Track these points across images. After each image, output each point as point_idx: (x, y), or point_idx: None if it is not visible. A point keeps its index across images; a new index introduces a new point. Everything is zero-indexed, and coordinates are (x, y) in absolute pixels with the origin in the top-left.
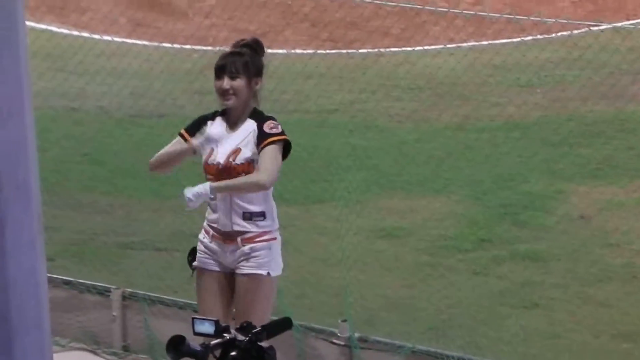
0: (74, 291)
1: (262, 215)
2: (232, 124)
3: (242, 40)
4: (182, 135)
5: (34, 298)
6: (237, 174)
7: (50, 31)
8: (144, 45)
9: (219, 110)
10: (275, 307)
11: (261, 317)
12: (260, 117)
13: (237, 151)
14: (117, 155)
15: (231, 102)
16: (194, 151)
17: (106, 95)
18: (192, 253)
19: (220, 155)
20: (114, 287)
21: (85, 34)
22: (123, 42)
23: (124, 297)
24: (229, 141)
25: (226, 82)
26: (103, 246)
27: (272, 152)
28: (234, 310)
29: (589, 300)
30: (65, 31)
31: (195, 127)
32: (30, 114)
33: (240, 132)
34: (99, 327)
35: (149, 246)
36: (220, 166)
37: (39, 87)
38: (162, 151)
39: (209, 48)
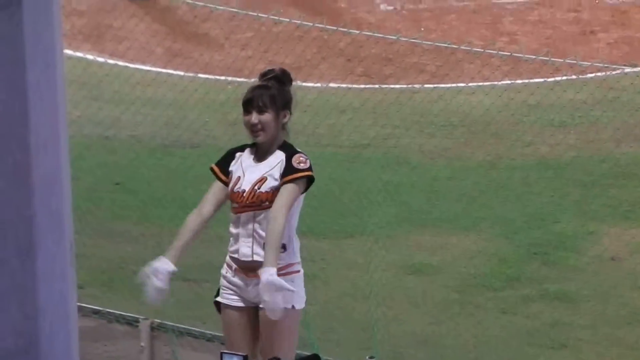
0: (103, 320)
1: (282, 247)
2: (261, 154)
3: (270, 70)
4: (213, 171)
5: (64, 328)
6: (261, 202)
7: (87, 60)
8: (180, 76)
9: (249, 143)
10: (304, 340)
11: (287, 351)
12: (289, 150)
13: (262, 180)
14: (150, 184)
15: (261, 137)
16: (224, 182)
17: (140, 125)
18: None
19: (245, 183)
20: (142, 317)
21: (122, 63)
22: (159, 72)
23: (153, 328)
24: (256, 170)
25: (254, 117)
26: (133, 275)
27: (291, 190)
28: (260, 345)
29: (617, 343)
30: (101, 60)
31: (225, 161)
32: (66, 143)
33: (268, 162)
34: (127, 358)
35: (179, 276)
36: (244, 193)
37: (74, 116)
38: (199, 204)
39: (244, 80)
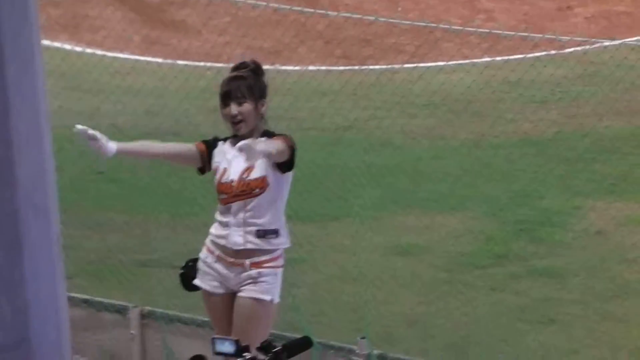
0: (92, 309)
1: (275, 232)
2: None
3: (242, 63)
4: (197, 146)
5: (55, 321)
6: (252, 190)
7: (64, 50)
8: (159, 63)
9: (230, 135)
10: (294, 324)
11: (257, 342)
12: (271, 136)
13: (249, 169)
14: (133, 173)
15: (242, 129)
16: (202, 159)
17: (121, 114)
18: (187, 268)
19: (233, 173)
20: (132, 305)
21: (100, 52)
22: (137, 60)
23: (142, 316)
24: (241, 160)
25: (234, 108)
26: (120, 264)
27: (278, 140)
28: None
29: (607, 316)
30: (79, 49)
31: (209, 143)
32: (49, 137)
33: None
34: (118, 346)
35: (166, 264)
36: (234, 183)
37: (54, 107)
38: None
39: (224, 65)
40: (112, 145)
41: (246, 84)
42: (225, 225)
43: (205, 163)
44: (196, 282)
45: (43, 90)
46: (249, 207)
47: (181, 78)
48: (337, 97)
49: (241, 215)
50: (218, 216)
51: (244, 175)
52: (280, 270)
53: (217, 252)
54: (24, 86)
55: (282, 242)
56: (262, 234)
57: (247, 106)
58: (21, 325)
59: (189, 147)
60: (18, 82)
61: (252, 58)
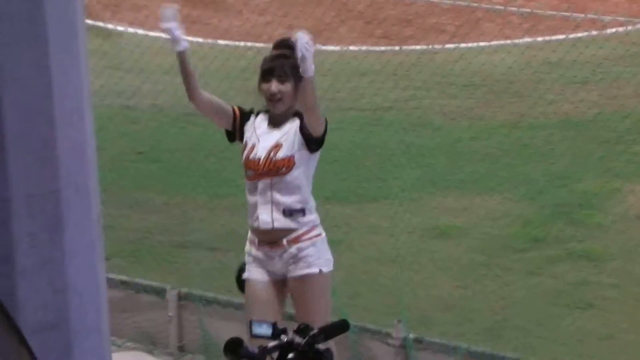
0: (130, 291)
1: (301, 212)
2: (275, 122)
3: (285, 39)
4: (233, 109)
5: (94, 302)
6: (278, 169)
7: (107, 29)
8: (199, 43)
9: (262, 109)
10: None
11: (323, 316)
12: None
13: (277, 146)
14: (173, 154)
15: (279, 108)
16: (234, 124)
17: (162, 94)
18: (241, 271)
19: (261, 150)
20: (169, 287)
21: (141, 32)
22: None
23: (180, 297)
24: (270, 137)
25: (274, 86)
26: (158, 245)
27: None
28: (296, 314)
29: None
30: (121, 29)
31: (245, 112)
32: (90, 116)
33: (282, 129)
34: (155, 328)
35: (204, 246)
36: (260, 161)
37: (95, 86)
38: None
39: (264, 45)
40: (184, 43)
41: (290, 63)
42: (253, 205)
43: (235, 129)
44: (244, 275)
45: (86, 69)
46: (275, 186)
47: (221, 58)
48: (377, 78)
49: (268, 193)
50: (247, 196)
51: (271, 154)
52: (319, 239)
53: (257, 240)
54: (67, 65)
55: (311, 220)
56: (288, 213)
57: (288, 85)
58: (61, 305)
59: (226, 104)
60: (61, 61)
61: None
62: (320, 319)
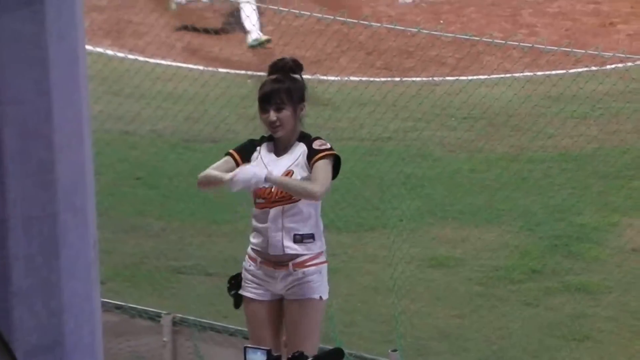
0: (125, 316)
1: (311, 237)
2: (281, 149)
3: (280, 61)
4: (232, 155)
5: (89, 325)
6: (290, 196)
7: (107, 55)
8: (201, 71)
9: (266, 135)
10: (326, 334)
11: (314, 342)
12: (308, 138)
13: (289, 173)
14: (171, 179)
15: (280, 133)
16: None
17: (161, 120)
18: (234, 280)
19: None
20: (164, 312)
21: (142, 59)
22: (180, 67)
23: (175, 323)
24: (280, 164)
25: (272, 115)
26: (155, 270)
27: (323, 166)
28: (285, 337)
29: None
30: (121, 55)
31: (245, 149)
32: (89, 140)
33: (291, 155)
34: (150, 353)
35: (201, 271)
36: (272, 188)
37: (95, 111)
38: (211, 170)
39: (264, 74)
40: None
41: (285, 88)
42: (263, 232)
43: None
44: (240, 291)
45: (86, 94)
46: (287, 212)
47: (222, 86)
48: (377, 108)
49: (279, 220)
50: (254, 222)
51: None
52: (324, 267)
53: (260, 259)
54: (67, 89)
55: (319, 246)
56: (299, 238)
57: (286, 112)
58: (56, 327)
59: (225, 162)
60: (62, 85)
61: (293, 57)
62: (311, 344)
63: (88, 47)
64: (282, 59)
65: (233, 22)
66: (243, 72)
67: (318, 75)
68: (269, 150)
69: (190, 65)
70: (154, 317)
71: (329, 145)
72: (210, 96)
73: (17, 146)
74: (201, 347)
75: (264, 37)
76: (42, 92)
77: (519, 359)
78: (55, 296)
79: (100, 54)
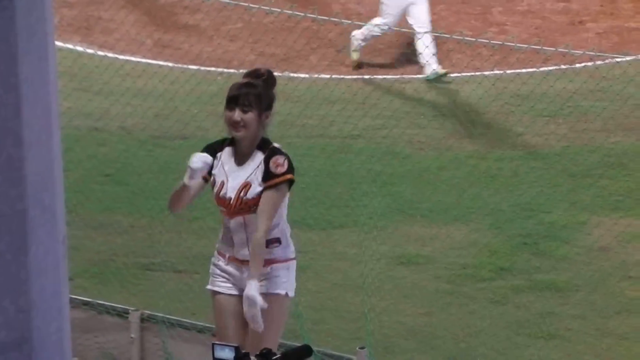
0: (93, 312)
1: (278, 241)
2: (241, 156)
3: (256, 70)
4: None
5: (57, 322)
6: (249, 208)
7: (77, 51)
8: (170, 67)
9: (227, 139)
10: (294, 331)
11: (274, 337)
12: (267, 149)
13: (246, 185)
14: (140, 176)
15: (241, 133)
16: (206, 181)
17: (130, 117)
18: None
19: (230, 190)
20: (132, 308)
21: (111, 55)
22: (149, 63)
23: (143, 319)
24: (238, 175)
25: (237, 114)
26: (123, 267)
27: (270, 201)
28: (249, 330)
29: (608, 333)
30: (91, 51)
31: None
32: (58, 137)
33: (249, 166)
34: (118, 349)
35: (169, 268)
36: (231, 201)
37: (63, 108)
38: (174, 192)
39: (234, 71)
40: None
41: (255, 92)
42: (229, 239)
43: (205, 177)
44: (209, 286)
45: (55, 90)
46: (248, 222)
47: (192, 82)
48: (347, 106)
49: (242, 232)
50: (222, 226)
51: (242, 194)
52: (292, 263)
53: (228, 254)
54: (36, 85)
55: (285, 252)
56: (265, 244)
57: (251, 115)
58: (24, 324)
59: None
60: (31, 80)
61: (267, 67)
62: (271, 339)
63: (58, 43)
64: (259, 69)
65: (409, 53)
66: (213, 69)
67: (288, 72)
68: (230, 156)
69: (160, 62)
70: (122, 314)
71: (285, 167)
72: (180, 93)
73: None
74: (169, 344)
75: (443, 70)
76: (10, 88)
77: (486, 357)
78: (24, 293)
79: (70, 51)
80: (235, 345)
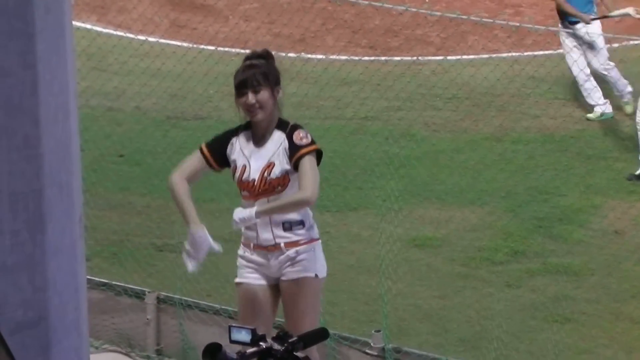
0: (110, 293)
1: (301, 223)
2: (260, 137)
3: (252, 52)
4: (202, 152)
5: (74, 301)
6: (274, 188)
7: (94, 31)
8: (186, 48)
9: (241, 125)
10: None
11: (312, 319)
12: (286, 127)
13: (270, 165)
14: (156, 157)
15: (259, 116)
16: (213, 168)
17: (147, 97)
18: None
19: (254, 172)
20: (148, 290)
21: (129, 35)
22: (166, 44)
23: (159, 301)
24: (260, 156)
25: (251, 97)
26: (139, 248)
27: (309, 165)
28: (286, 316)
29: (621, 317)
30: (108, 31)
31: (218, 144)
32: (75, 116)
33: (270, 145)
34: (134, 330)
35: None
36: (255, 182)
37: (80, 87)
38: (181, 168)
39: (248, 51)
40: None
41: (261, 71)
42: (252, 225)
43: (212, 163)
44: (236, 279)
45: (73, 69)
46: None
47: (209, 63)
48: (362, 88)
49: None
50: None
51: (265, 174)
52: (317, 244)
53: (252, 243)
54: (53, 63)
55: (309, 233)
56: (288, 226)
57: (264, 93)
58: (41, 303)
59: (195, 159)
60: (48, 59)
61: (264, 48)
62: (310, 322)
63: (75, 22)
64: (256, 50)
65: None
66: (229, 49)
67: (304, 53)
68: (248, 139)
69: (177, 43)
70: (139, 295)
71: (309, 138)
72: (197, 74)
73: (2, 120)
74: (185, 325)
75: (611, 113)
76: (27, 66)
77: (500, 340)
78: (41, 272)
79: (87, 30)
80: (252, 327)
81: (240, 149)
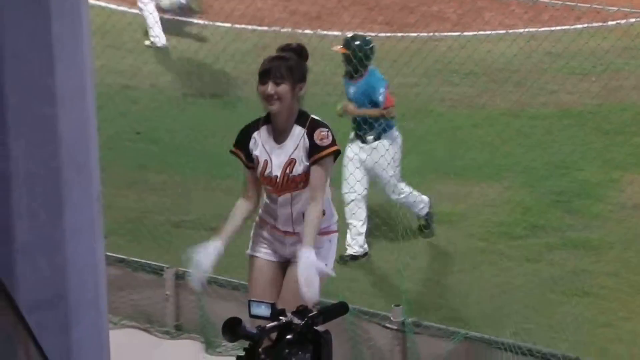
0: (128, 269)
1: (322, 213)
2: (280, 132)
3: (287, 45)
4: (237, 156)
5: (92, 279)
6: (297, 184)
7: (108, 9)
8: (202, 25)
9: (262, 117)
10: (329, 290)
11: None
12: (306, 122)
13: (291, 162)
14: (172, 134)
15: (275, 107)
16: (247, 167)
17: (162, 75)
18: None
19: (275, 168)
20: (167, 266)
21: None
22: (182, 20)
23: (178, 277)
24: (281, 152)
25: (270, 88)
26: (156, 224)
27: (320, 173)
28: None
29: None
30: (122, 9)
31: (242, 140)
32: (92, 96)
33: (290, 142)
34: (152, 306)
35: (202, 225)
36: (277, 179)
37: (96, 66)
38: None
39: (267, 29)
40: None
41: (287, 64)
42: (273, 211)
43: (245, 164)
44: (248, 252)
45: (89, 48)
46: (296, 199)
47: (226, 40)
48: (379, 64)
49: (288, 208)
50: (266, 198)
51: (287, 171)
52: (334, 236)
53: (270, 225)
54: (69, 42)
55: (328, 221)
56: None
57: (284, 87)
58: (59, 282)
59: (246, 172)
60: (64, 38)
61: (300, 43)
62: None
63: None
64: (291, 43)
65: None
66: (245, 26)
67: (320, 30)
68: (268, 134)
69: (193, 20)
70: (157, 271)
71: (330, 138)
72: (212, 51)
73: (19, 100)
74: (204, 301)
75: None
76: (44, 46)
77: (520, 314)
78: (59, 251)
79: (101, 8)
80: (272, 302)
81: (262, 145)
